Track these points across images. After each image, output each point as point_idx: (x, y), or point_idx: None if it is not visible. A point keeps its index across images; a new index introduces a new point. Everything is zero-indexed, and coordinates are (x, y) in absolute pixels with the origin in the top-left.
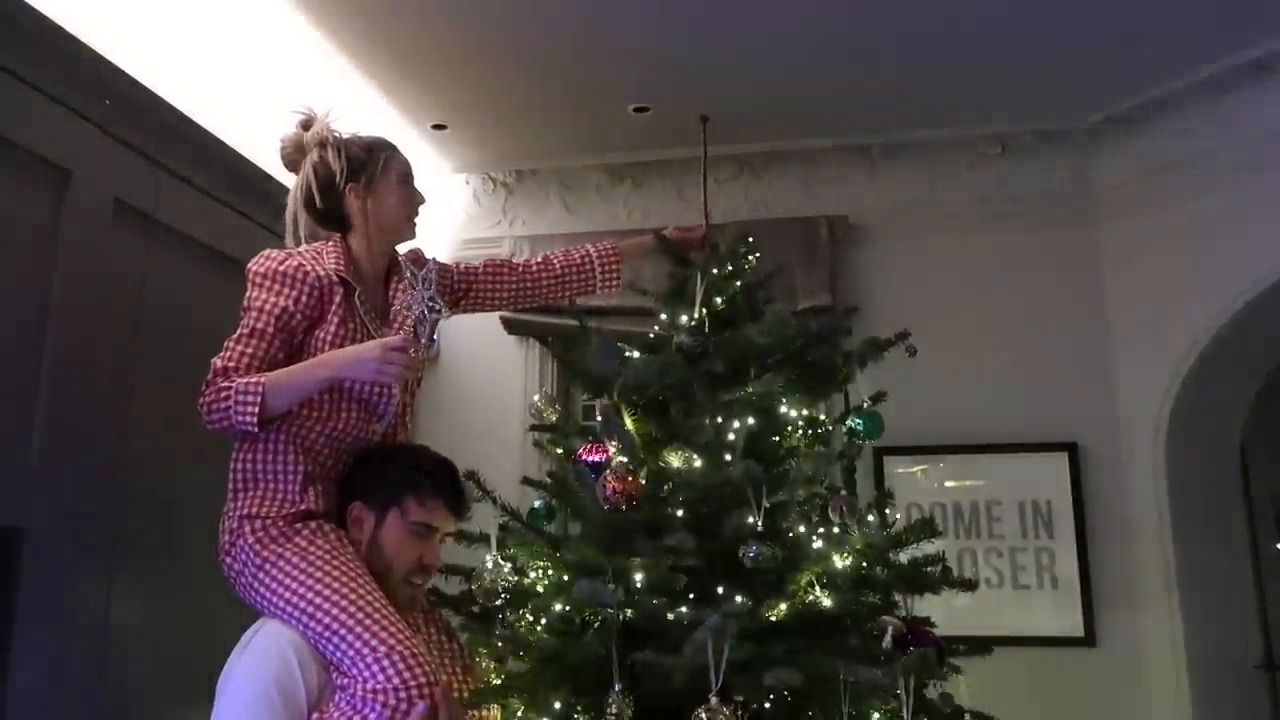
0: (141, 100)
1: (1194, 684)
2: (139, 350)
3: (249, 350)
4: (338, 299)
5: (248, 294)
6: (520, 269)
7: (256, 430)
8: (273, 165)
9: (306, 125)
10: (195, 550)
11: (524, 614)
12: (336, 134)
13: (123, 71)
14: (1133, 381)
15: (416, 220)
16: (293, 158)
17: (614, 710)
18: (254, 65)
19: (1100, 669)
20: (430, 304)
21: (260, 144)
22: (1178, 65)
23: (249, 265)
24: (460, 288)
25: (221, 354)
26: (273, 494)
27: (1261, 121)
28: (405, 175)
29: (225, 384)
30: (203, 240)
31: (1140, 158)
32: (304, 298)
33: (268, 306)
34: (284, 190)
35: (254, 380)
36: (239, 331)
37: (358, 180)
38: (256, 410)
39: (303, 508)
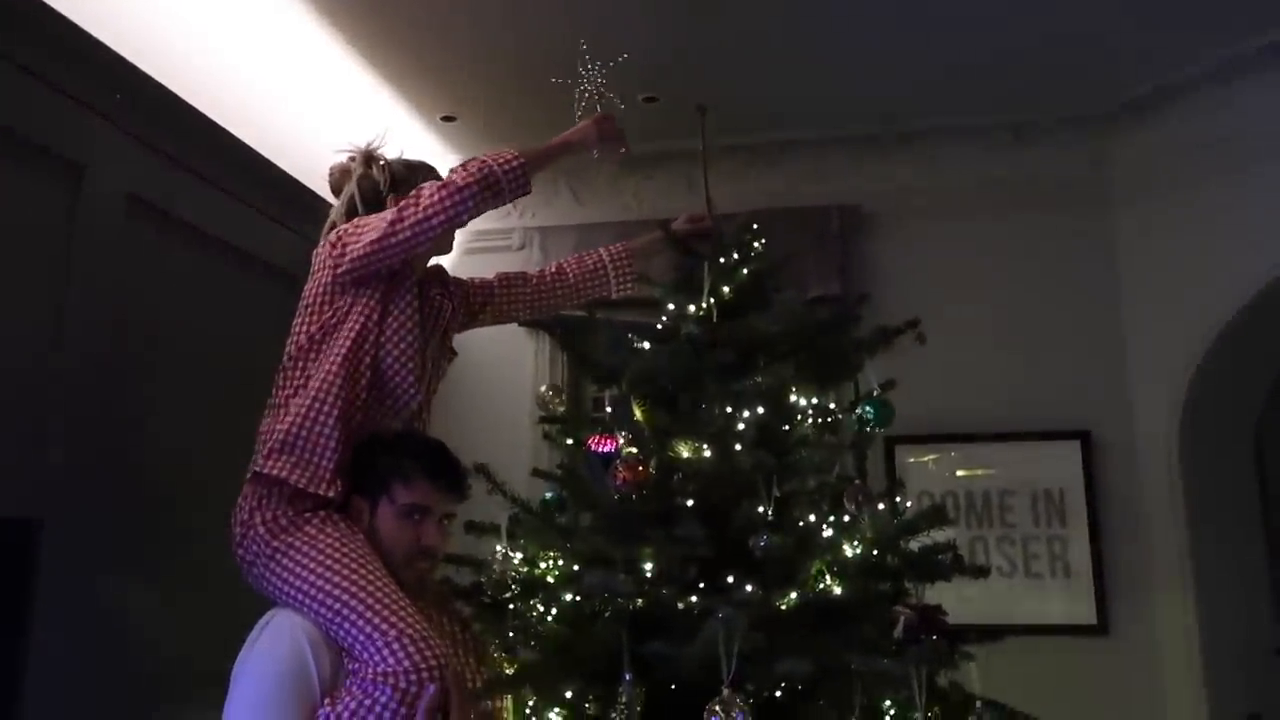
0: (154, 95)
1: (1207, 671)
2: (155, 345)
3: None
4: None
5: (349, 227)
6: (535, 280)
7: (526, 186)
8: (285, 160)
9: (354, 157)
10: (212, 543)
11: (535, 604)
12: (382, 155)
13: (134, 66)
14: (1146, 369)
15: (453, 238)
16: (340, 183)
17: (625, 700)
18: (263, 59)
19: (1112, 657)
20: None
21: (272, 139)
22: (1194, 50)
23: (345, 228)
24: (477, 303)
25: (417, 201)
26: (285, 487)
27: (1278, 106)
28: None
29: (455, 178)
30: (218, 235)
31: (1155, 144)
32: None
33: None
34: (297, 184)
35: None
36: (375, 218)
37: (399, 191)
38: (518, 157)
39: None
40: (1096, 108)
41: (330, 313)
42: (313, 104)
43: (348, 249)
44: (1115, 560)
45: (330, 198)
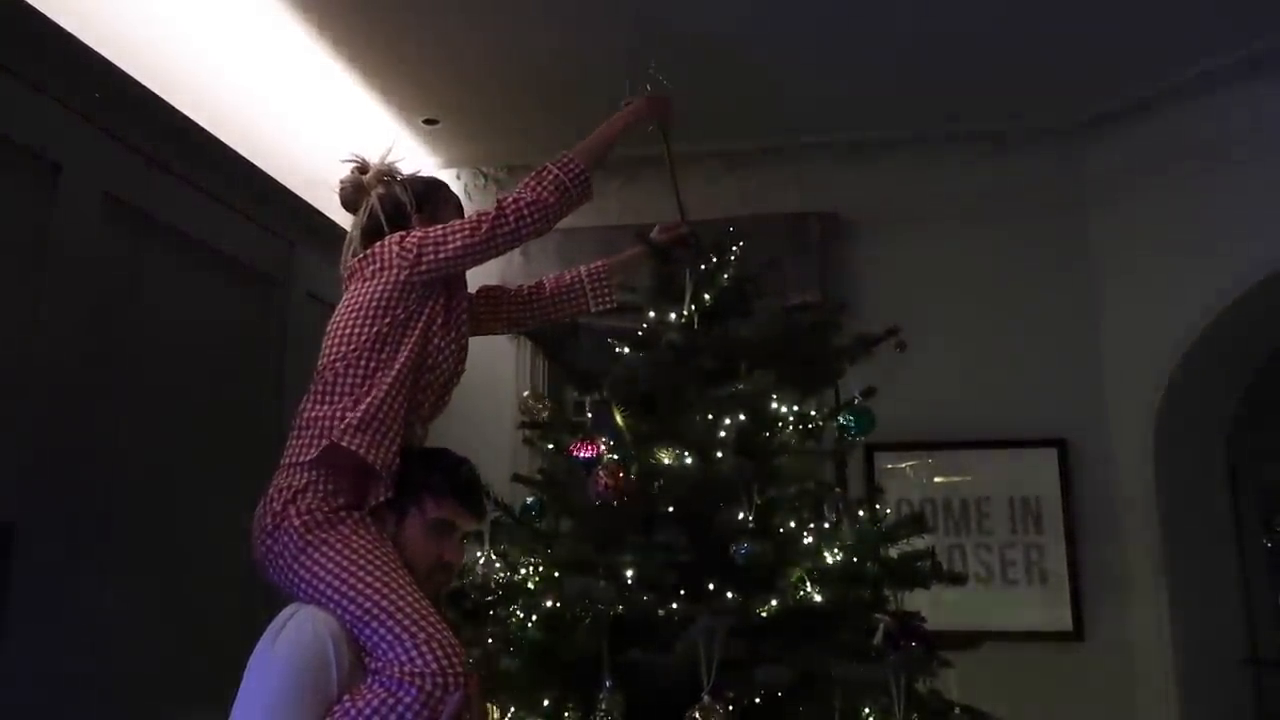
0: (132, 93)
1: (1180, 678)
2: (131, 345)
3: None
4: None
5: (426, 232)
6: (513, 294)
7: (591, 192)
8: (265, 161)
9: (363, 170)
10: (187, 545)
11: (515, 610)
12: (399, 171)
13: (112, 64)
14: (1122, 377)
15: None
16: (352, 197)
17: (605, 708)
18: (244, 59)
19: (1087, 663)
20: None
21: (253, 139)
22: (1170, 62)
23: (417, 234)
24: None
25: (493, 213)
26: (324, 483)
27: (1253, 118)
28: (460, 208)
29: (543, 196)
30: (195, 236)
31: (1131, 154)
32: None
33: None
34: (277, 186)
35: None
36: (457, 225)
37: (422, 211)
38: (581, 163)
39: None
40: (1073, 118)
41: (401, 310)
42: (294, 105)
43: (426, 250)
44: (1091, 567)
45: (325, 201)
